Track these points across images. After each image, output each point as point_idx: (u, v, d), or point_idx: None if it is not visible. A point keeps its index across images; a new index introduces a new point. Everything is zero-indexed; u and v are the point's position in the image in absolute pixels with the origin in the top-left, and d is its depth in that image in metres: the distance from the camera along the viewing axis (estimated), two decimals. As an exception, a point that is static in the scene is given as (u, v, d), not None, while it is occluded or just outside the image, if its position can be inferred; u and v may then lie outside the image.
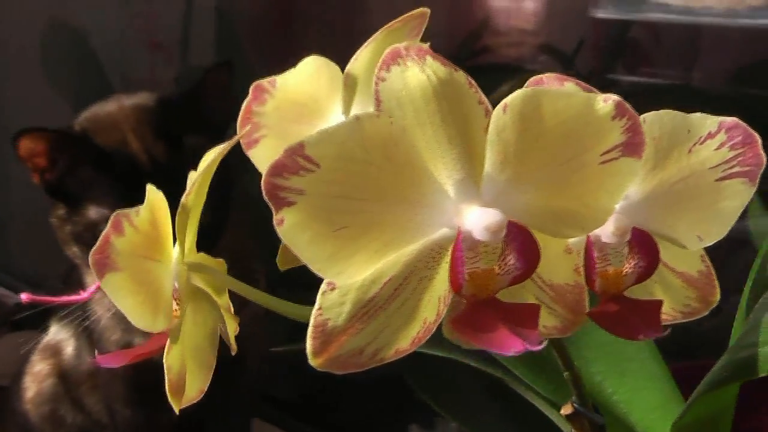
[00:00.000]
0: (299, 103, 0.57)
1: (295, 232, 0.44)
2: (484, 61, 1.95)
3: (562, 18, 2.15)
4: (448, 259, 0.47)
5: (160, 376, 1.22)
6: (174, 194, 1.07)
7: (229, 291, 0.61)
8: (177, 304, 0.53)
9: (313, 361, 0.46)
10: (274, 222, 0.43)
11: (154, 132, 1.10)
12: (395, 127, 0.46)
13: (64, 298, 1.20)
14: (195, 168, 1.09)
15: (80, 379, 1.35)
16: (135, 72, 2.10)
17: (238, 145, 0.52)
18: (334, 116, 0.57)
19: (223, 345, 1.23)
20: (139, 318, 0.50)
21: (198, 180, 0.52)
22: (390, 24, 0.56)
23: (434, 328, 0.48)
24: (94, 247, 0.49)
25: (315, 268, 0.45)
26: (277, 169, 0.43)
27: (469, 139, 0.47)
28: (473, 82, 0.49)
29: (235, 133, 0.60)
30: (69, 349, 1.37)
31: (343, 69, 0.54)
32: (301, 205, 0.44)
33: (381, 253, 0.46)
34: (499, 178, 0.47)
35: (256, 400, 1.39)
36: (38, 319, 1.91)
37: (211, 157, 0.52)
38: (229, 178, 1.14)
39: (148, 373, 1.25)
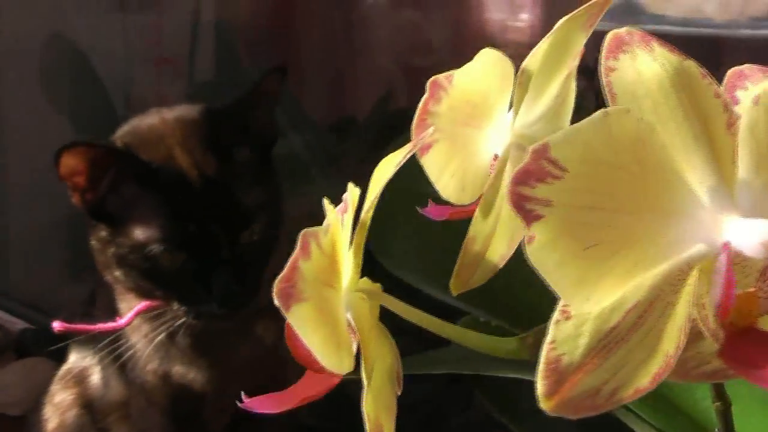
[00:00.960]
0: (471, 102, 0.49)
1: (544, 251, 0.35)
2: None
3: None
4: (693, 281, 0.39)
5: (197, 405, 1.13)
6: (224, 210, 0.99)
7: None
8: (355, 338, 0.44)
9: (545, 404, 0.38)
10: (525, 240, 0.34)
11: (202, 145, 1.01)
12: (643, 125, 0.37)
13: (101, 326, 1.11)
14: (244, 182, 1.01)
15: (108, 409, 1.25)
16: (140, 89, 2.01)
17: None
18: (500, 118, 0.49)
19: (259, 370, 1.14)
20: (326, 356, 0.41)
21: (374, 194, 0.43)
22: (571, 14, 0.47)
23: (673, 365, 0.39)
24: (281, 276, 0.40)
25: (561, 294, 0.36)
26: (523, 176, 0.35)
27: (713, 137, 0.39)
28: (706, 72, 0.41)
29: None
30: (95, 377, 1.27)
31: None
32: (550, 218, 0.35)
33: (631, 274, 0.37)
34: (755, 183, 0.39)
35: (295, 430, 1.30)
36: (45, 346, 1.81)
37: (389, 167, 0.42)
38: (281, 192, 1.05)
39: (185, 402, 1.16)
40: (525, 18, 2.15)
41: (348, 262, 0.43)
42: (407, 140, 1.39)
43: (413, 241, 0.97)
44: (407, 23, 2.16)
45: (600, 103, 0.39)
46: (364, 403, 0.45)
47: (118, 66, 2.05)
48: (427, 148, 0.48)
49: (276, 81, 1.02)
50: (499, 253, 0.48)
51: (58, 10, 2.08)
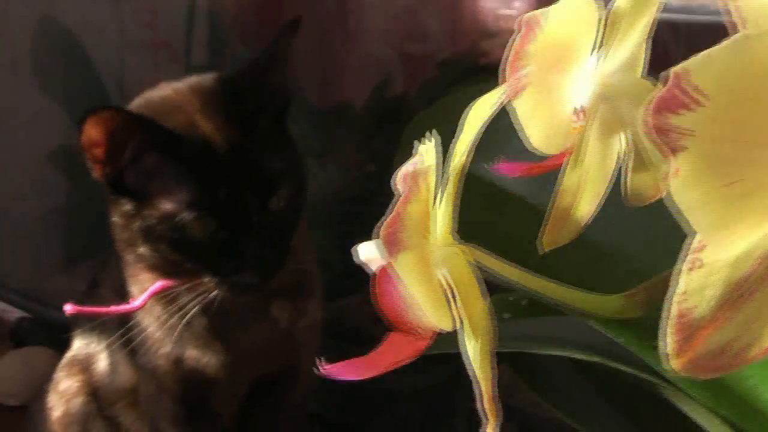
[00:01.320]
0: (558, 44, 0.45)
1: (687, 186, 0.31)
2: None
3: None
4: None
5: (208, 391, 1.08)
6: (251, 175, 0.95)
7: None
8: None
9: (674, 363, 0.34)
10: (670, 173, 0.30)
11: (222, 112, 0.97)
12: (784, 50, 0.33)
13: (114, 309, 1.06)
14: (267, 148, 0.97)
15: (115, 397, 1.21)
16: (136, 72, 1.96)
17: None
18: (584, 65, 0.45)
19: (272, 356, 1.10)
20: (433, 310, 0.37)
21: (470, 138, 0.39)
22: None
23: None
24: (386, 221, 0.35)
25: (702, 234, 0.32)
26: (664, 103, 0.31)
27: None
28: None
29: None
30: (101, 363, 1.22)
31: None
32: (693, 150, 0.31)
33: (768, 217, 0.34)
34: None
35: (305, 418, 1.26)
36: (41, 335, 1.76)
37: (484, 110, 0.38)
38: (302, 160, 1.01)
39: (197, 389, 1.12)
40: (519, 6, 2.12)
41: (441, 214, 0.39)
42: (400, 128, 1.36)
43: None
44: (403, 9, 2.12)
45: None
46: (473, 360, 0.41)
47: (111, 50, 1.99)
48: (518, 91, 0.44)
49: (289, 38, 0.98)
50: (583, 210, 0.44)
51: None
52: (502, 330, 0.76)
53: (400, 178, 0.43)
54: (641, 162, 0.44)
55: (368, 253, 0.45)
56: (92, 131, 0.92)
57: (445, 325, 0.39)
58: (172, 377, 1.10)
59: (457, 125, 0.97)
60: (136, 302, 1.05)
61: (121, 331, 1.17)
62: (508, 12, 2.12)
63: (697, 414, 0.76)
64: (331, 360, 1.24)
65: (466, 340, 0.41)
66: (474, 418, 1.42)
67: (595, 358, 0.74)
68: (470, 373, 0.42)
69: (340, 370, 0.44)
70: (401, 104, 1.87)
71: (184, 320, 1.00)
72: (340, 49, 2.13)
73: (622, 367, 0.76)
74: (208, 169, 0.94)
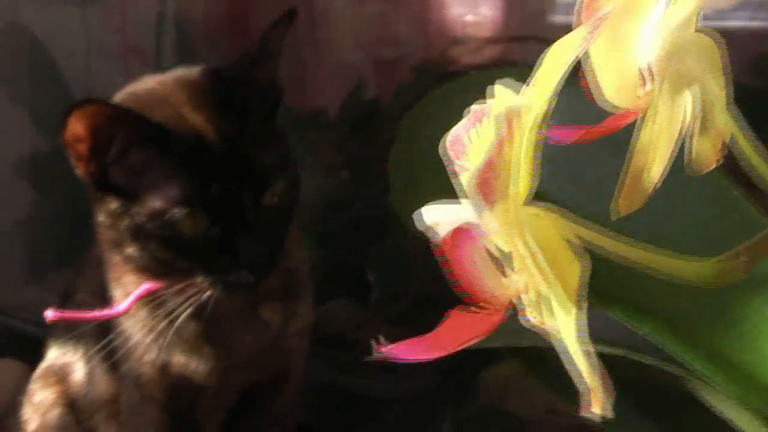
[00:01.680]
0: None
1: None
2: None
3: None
4: None
5: (194, 400, 1.03)
6: (244, 170, 0.90)
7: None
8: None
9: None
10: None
11: (212, 104, 0.92)
12: None
13: (97, 314, 1.00)
14: (259, 142, 0.92)
15: (94, 407, 1.15)
16: (104, 79, 1.89)
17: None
18: (652, 13, 0.41)
19: (262, 361, 1.04)
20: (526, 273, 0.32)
21: (551, 86, 0.34)
22: None
23: None
24: (482, 165, 0.30)
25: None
26: None
27: None
28: None
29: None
30: (78, 373, 1.16)
31: None
32: None
33: None
34: None
35: (295, 427, 1.20)
36: (11, 347, 1.69)
37: (566, 53, 0.34)
38: (294, 155, 0.97)
39: (183, 397, 1.06)
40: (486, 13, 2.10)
41: (522, 170, 0.35)
42: (373, 133, 1.32)
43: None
44: (373, 15, 2.09)
45: None
46: (566, 335, 0.36)
47: (78, 57, 1.93)
48: (596, 33, 0.39)
49: (282, 31, 0.94)
50: (654, 172, 0.40)
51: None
52: (515, 324, 0.72)
53: (449, 142, 0.39)
54: (705, 125, 0.40)
55: (435, 216, 0.40)
56: (76, 126, 0.87)
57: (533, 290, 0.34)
58: (157, 385, 1.04)
59: (455, 114, 0.93)
60: (120, 306, 0.99)
61: (96, 339, 1.12)
62: (474, 19, 2.10)
63: (724, 407, 0.73)
64: (314, 367, 1.20)
65: (556, 311, 0.36)
66: (462, 424, 1.38)
67: (619, 351, 0.70)
68: (559, 351, 0.37)
69: (404, 350, 0.39)
70: (375, 109, 1.84)
71: (175, 324, 0.94)
72: (311, 55, 2.09)
73: (647, 360, 0.72)
74: (199, 163, 0.89)
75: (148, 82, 0.97)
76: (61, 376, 1.21)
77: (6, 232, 1.96)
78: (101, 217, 0.92)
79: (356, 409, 1.36)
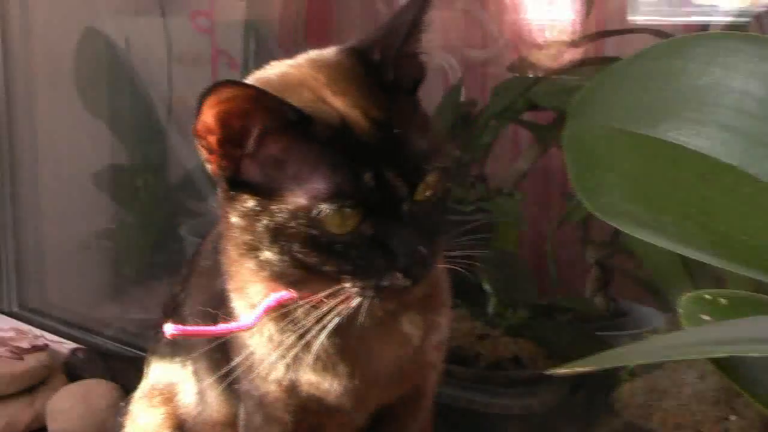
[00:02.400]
0: None
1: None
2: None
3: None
4: None
5: (324, 421, 0.90)
6: (398, 157, 0.77)
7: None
8: None
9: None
10: None
11: (356, 87, 0.80)
12: None
13: (223, 329, 0.89)
14: (410, 125, 0.79)
15: (207, 430, 1.03)
16: (186, 87, 1.80)
17: None
18: None
19: (400, 378, 0.91)
20: None
21: None
22: None
23: None
24: None
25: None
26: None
27: None
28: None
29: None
30: (187, 393, 1.05)
31: None
32: None
33: None
34: None
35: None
36: (96, 366, 1.58)
37: None
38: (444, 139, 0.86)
39: (311, 420, 0.93)
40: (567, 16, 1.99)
41: None
42: (471, 133, 1.19)
43: (628, 185, 0.76)
44: (460, 18, 1.99)
45: None
46: None
47: (158, 64, 1.84)
48: None
49: (425, 3, 0.80)
50: None
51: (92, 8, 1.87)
52: (703, 334, 0.59)
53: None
54: None
55: None
56: (209, 114, 0.75)
57: None
58: (283, 406, 0.92)
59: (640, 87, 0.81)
60: (247, 319, 0.87)
61: (210, 356, 1.00)
62: (555, 22, 1.97)
63: None
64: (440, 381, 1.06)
65: None
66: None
67: None
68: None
69: None
70: (472, 111, 1.71)
71: (319, 338, 0.82)
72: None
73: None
74: (347, 151, 0.76)
75: (276, 68, 0.85)
76: (167, 395, 1.09)
77: (86, 246, 1.86)
78: (234, 219, 0.80)
79: (476, 427, 1.24)
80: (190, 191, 1.93)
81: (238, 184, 0.78)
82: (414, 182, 0.77)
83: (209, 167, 0.79)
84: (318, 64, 0.83)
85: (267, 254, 0.78)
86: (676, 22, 1.76)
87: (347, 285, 0.78)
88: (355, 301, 0.78)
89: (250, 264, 0.81)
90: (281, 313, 0.86)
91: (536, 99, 1.54)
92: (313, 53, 0.86)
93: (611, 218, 0.74)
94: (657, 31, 1.65)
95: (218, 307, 0.93)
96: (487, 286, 1.29)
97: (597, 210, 0.74)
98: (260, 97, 0.74)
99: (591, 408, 1.26)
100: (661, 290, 1.32)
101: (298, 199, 0.75)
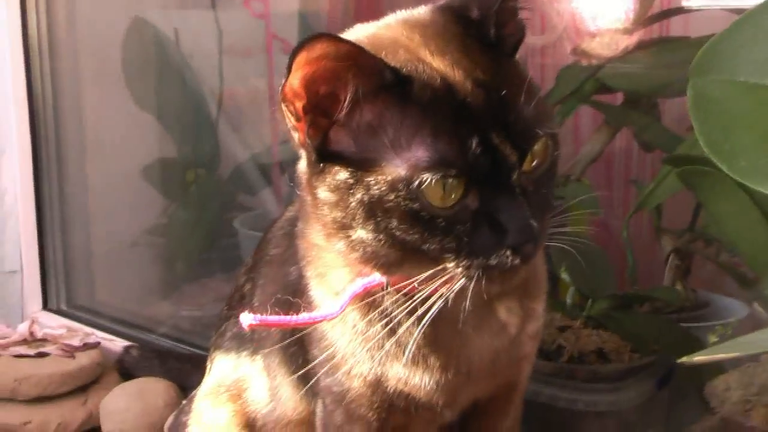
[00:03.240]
0: None
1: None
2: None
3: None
4: None
5: (412, 419, 0.81)
6: (505, 121, 0.68)
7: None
8: None
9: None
10: None
11: (456, 47, 0.72)
12: None
13: (306, 319, 0.79)
14: (515, 88, 0.69)
15: (279, 428, 0.94)
16: (237, 78, 1.74)
17: None
18: None
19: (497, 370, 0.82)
20: None
21: None
22: None
23: None
24: None
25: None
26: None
27: None
28: None
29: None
30: (257, 389, 0.97)
31: None
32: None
33: None
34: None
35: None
36: (150, 364, 1.50)
37: None
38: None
39: (399, 418, 0.84)
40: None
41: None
42: None
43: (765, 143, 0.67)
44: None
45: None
46: None
47: (208, 54, 1.77)
48: None
49: None
50: None
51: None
52: None
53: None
54: None
55: None
56: (299, 74, 0.66)
57: None
58: (368, 402, 0.83)
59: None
60: (333, 309, 0.78)
61: (287, 349, 0.91)
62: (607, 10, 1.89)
63: None
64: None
65: None
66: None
67: None
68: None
69: None
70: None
71: (416, 329, 0.72)
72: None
73: None
74: (450, 115, 0.67)
75: (362, 30, 0.76)
76: (235, 392, 1.00)
77: (137, 243, 1.79)
78: (323, 194, 0.71)
79: (561, 425, 1.14)
80: (241, 186, 1.87)
81: (328, 155, 0.70)
82: (524, 149, 0.69)
83: (295, 136, 0.71)
84: (411, 24, 0.74)
85: (361, 232, 0.69)
86: (731, 6, 1.67)
87: (450, 265, 0.70)
88: (458, 284, 0.70)
89: (339, 245, 0.72)
90: (368, 301, 0.77)
91: (605, 80, 1.47)
92: (402, 13, 0.78)
93: (757, 183, 0.64)
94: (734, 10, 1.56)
95: (295, 296, 0.84)
96: (565, 275, 1.19)
97: (739, 174, 0.65)
98: (357, 54, 0.66)
99: (681, 404, 1.16)
100: (749, 279, 1.22)
101: (396, 169, 0.67)
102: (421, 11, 0.76)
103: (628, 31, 1.81)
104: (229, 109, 1.83)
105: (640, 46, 1.66)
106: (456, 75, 0.69)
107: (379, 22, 0.78)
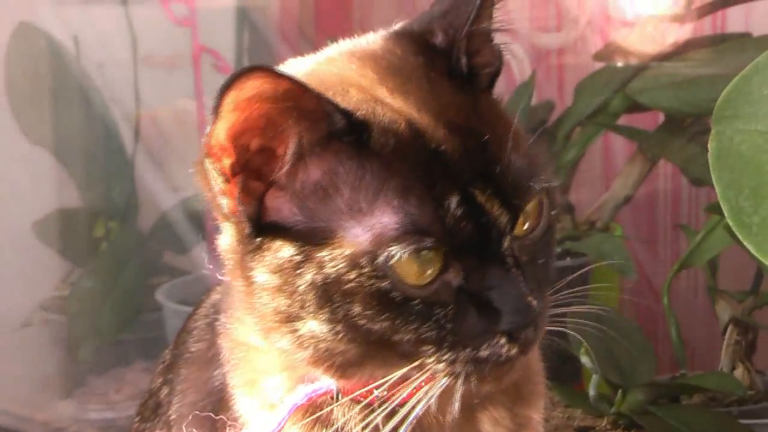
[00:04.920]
0: None
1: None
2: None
3: None
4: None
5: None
6: (491, 178, 0.71)
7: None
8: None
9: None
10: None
11: (420, 80, 0.76)
12: None
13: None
14: (498, 130, 0.73)
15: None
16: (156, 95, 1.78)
17: None
18: None
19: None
20: None
21: None
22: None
23: None
24: None
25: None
26: None
27: None
28: None
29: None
30: None
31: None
32: None
33: None
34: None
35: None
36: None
37: None
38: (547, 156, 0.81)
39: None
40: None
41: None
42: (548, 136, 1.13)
43: None
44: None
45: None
46: None
47: (119, 66, 1.81)
48: None
49: None
50: None
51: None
52: None
53: None
54: None
55: None
56: (228, 122, 0.69)
57: None
58: None
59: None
60: (265, 428, 0.81)
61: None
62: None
63: None
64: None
65: None
66: None
67: None
68: None
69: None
70: (548, 114, 1.68)
71: None
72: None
73: None
74: (421, 169, 0.72)
75: (299, 65, 0.80)
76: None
77: (29, 322, 1.83)
78: (262, 277, 0.74)
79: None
80: (167, 242, 1.89)
81: (266, 227, 0.73)
82: (516, 208, 0.72)
83: (223, 203, 0.74)
84: (361, 56, 0.79)
85: (312, 324, 0.73)
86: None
87: (429, 361, 0.72)
88: (439, 384, 0.73)
89: (282, 342, 0.75)
90: (314, 417, 0.80)
91: (636, 96, 1.50)
92: (347, 43, 0.82)
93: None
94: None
95: (218, 410, 0.87)
96: (585, 359, 1.22)
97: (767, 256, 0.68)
98: (299, 94, 0.69)
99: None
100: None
101: (356, 239, 0.71)
102: (372, 40, 0.81)
103: (678, 19, 1.85)
104: (150, 138, 1.86)
105: (689, 45, 1.70)
106: (423, 118, 0.73)
107: (319, 55, 0.82)
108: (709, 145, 0.76)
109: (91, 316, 1.84)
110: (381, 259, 0.69)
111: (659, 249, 1.72)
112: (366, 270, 0.70)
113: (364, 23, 1.95)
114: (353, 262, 0.70)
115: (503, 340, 0.71)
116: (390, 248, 0.69)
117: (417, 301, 0.70)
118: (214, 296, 0.97)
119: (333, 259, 0.71)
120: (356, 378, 0.76)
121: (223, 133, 0.70)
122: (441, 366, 0.72)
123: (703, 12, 1.73)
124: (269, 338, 0.76)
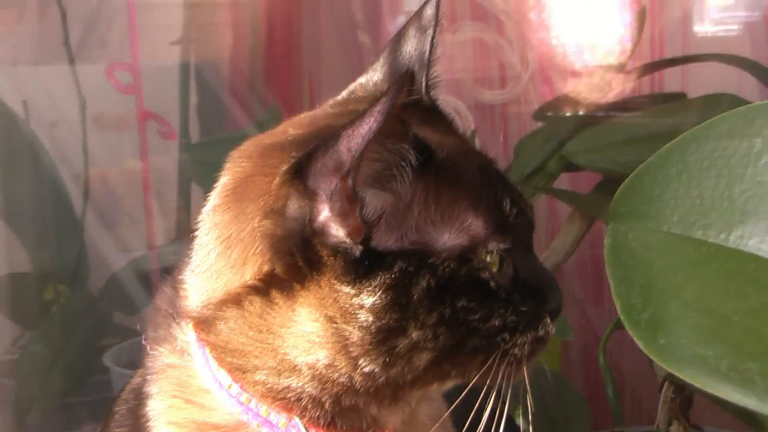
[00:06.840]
0: None
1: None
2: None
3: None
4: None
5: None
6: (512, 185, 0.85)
7: None
8: None
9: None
10: None
11: (430, 114, 0.90)
12: None
13: None
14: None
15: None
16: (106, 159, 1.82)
17: None
18: None
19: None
20: None
21: None
22: None
23: None
24: None
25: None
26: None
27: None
28: None
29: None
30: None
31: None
32: None
33: None
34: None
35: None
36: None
37: None
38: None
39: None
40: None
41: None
42: None
43: (697, 317, 0.74)
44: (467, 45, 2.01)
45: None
46: None
47: (69, 130, 1.85)
48: None
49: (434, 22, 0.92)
50: None
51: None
52: None
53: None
54: None
55: None
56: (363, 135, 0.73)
57: None
58: None
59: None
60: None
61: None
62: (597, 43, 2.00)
63: None
64: None
65: None
66: None
67: None
68: None
69: None
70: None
71: None
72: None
73: None
74: (476, 179, 0.82)
75: (321, 113, 0.93)
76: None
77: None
78: (370, 299, 0.78)
79: None
80: (117, 303, 1.92)
81: (373, 250, 0.78)
82: (531, 208, 0.86)
83: (336, 231, 0.78)
84: (338, 111, 0.91)
85: (415, 335, 0.78)
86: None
87: (508, 346, 0.81)
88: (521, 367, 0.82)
89: (372, 365, 0.79)
90: None
91: (573, 157, 1.53)
92: (355, 87, 0.96)
93: (675, 366, 0.72)
94: (733, 58, 1.66)
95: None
96: (521, 422, 1.27)
97: (655, 354, 0.73)
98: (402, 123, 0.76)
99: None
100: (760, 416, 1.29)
101: (456, 241, 0.79)
102: (324, 111, 0.93)
103: (622, 68, 1.91)
104: (99, 198, 1.89)
105: (629, 102, 1.76)
106: (453, 141, 0.84)
107: (340, 99, 0.95)
108: (605, 241, 0.82)
109: (40, 380, 1.85)
110: (481, 254, 0.79)
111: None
112: (474, 263, 0.79)
113: (313, 80, 2.00)
114: (462, 257, 0.79)
115: (548, 319, 0.83)
116: (488, 243, 0.80)
117: (502, 290, 0.80)
118: (136, 380, 0.97)
119: (444, 261, 0.78)
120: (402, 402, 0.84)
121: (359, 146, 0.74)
122: (516, 350, 0.81)
123: (643, 72, 1.79)
124: (354, 369, 0.80)
